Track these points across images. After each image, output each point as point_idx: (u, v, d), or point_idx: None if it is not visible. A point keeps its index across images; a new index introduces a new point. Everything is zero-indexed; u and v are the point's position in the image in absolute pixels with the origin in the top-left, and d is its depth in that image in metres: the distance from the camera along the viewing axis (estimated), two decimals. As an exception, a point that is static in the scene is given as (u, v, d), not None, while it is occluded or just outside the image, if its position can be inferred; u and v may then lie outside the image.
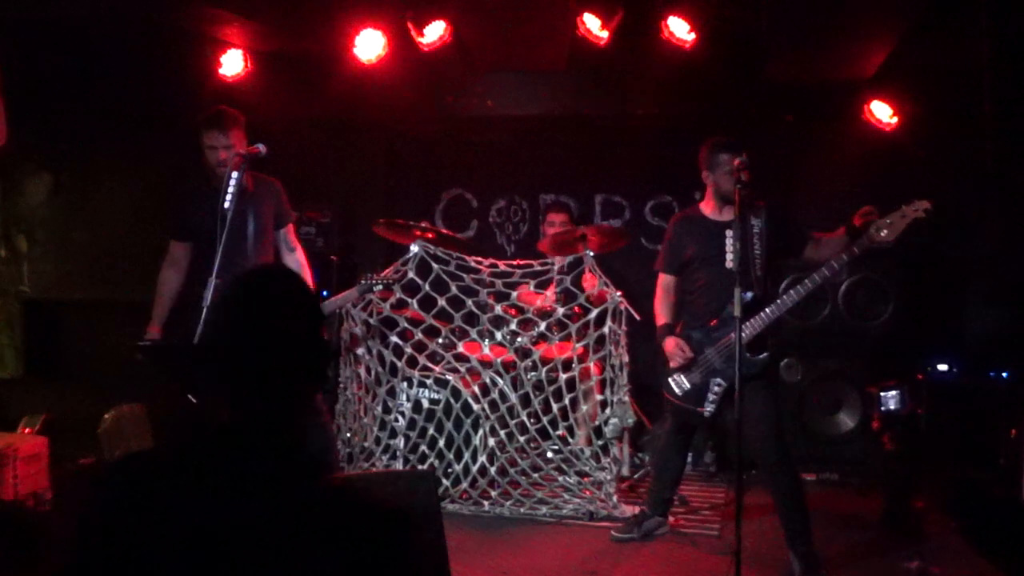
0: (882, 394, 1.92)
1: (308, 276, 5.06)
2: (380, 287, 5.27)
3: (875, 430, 2.06)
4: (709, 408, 4.56)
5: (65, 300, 7.31)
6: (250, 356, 1.74)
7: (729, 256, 4.36)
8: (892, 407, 1.90)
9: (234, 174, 4.35)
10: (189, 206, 4.78)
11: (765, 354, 4.51)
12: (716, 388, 4.54)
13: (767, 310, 4.40)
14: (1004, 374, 5.96)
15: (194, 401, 4.56)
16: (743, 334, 4.16)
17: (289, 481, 1.67)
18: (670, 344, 4.65)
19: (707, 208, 4.75)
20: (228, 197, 4.27)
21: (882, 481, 4.38)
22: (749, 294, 4.35)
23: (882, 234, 4.21)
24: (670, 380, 4.70)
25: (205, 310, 4.11)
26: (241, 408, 1.74)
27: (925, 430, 5.94)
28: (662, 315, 4.80)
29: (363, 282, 5.23)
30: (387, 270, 5.51)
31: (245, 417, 1.73)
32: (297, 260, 5.07)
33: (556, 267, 5.64)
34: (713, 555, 4.65)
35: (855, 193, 6.30)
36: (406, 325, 5.64)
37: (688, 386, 4.63)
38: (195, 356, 4.50)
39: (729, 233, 4.36)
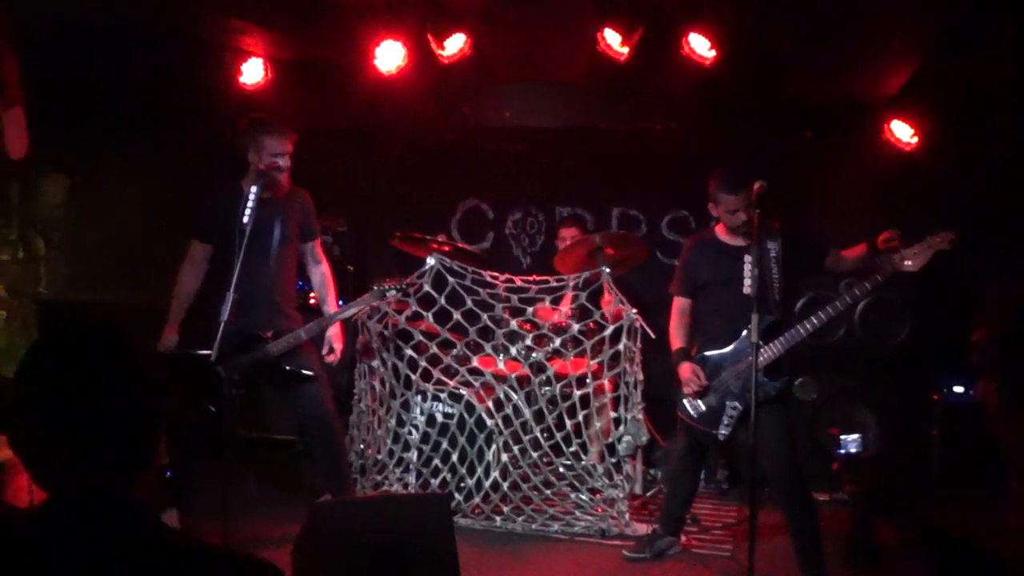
0: (842, 437, 1.92)
1: (332, 291, 5.08)
2: (393, 293, 5.27)
3: (834, 471, 2.07)
4: (724, 431, 4.55)
5: (81, 302, 7.34)
6: (50, 430, 1.58)
7: (747, 282, 4.35)
8: (852, 450, 1.90)
9: (253, 189, 4.37)
10: (217, 207, 4.78)
11: (783, 378, 4.50)
12: (732, 411, 4.53)
13: (785, 336, 4.39)
14: (1021, 397, 5.92)
15: (211, 409, 4.60)
16: (760, 358, 4.15)
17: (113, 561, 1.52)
18: (685, 370, 4.64)
19: (722, 232, 4.74)
20: (247, 212, 4.28)
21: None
22: (768, 318, 4.34)
23: (906, 263, 4.20)
24: (685, 401, 4.69)
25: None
26: (51, 486, 1.60)
27: (940, 452, 5.92)
28: (677, 339, 4.79)
29: (376, 288, 5.25)
30: (407, 278, 5.50)
31: (57, 496, 1.58)
32: (322, 274, 5.11)
33: (572, 283, 5.62)
34: (724, 574, 4.64)
35: (874, 211, 6.30)
36: (421, 338, 5.64)
37: (704, 408, 4.62)
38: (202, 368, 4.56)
39: (748, 259, 4.36)
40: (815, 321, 4.35)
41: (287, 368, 4.78)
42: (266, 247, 4.77)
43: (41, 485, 1.59)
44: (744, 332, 4.45)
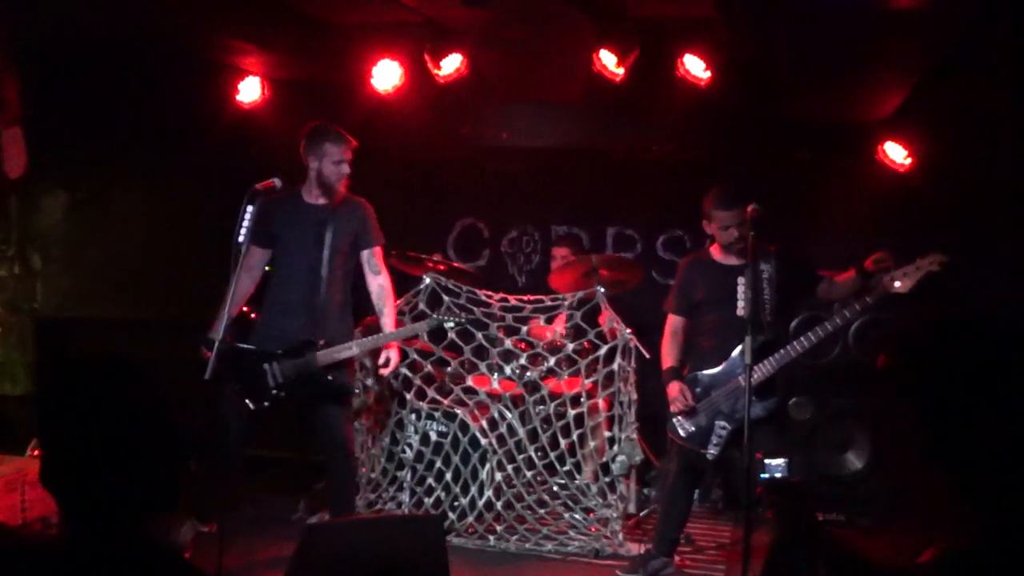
0: (767, 462, 1.92)
1: (391, 304, 5.04)
2: (452, 325, 5.24)
3: (758, 495, 2.07)
4: (712, 451, 4.57)
5: (79, 318, 7.35)
6: (71, 465, 1.59)
7: (741, 303, 4.39)
8: (777, 475, 1.91)
9: (249, 208, 4.39)
10: (276, 213, 4.86)
11: (773, 398, 4.51)
12: (721, 431, 4.55)
13: (776, 356, 4.41)
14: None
15: (252, 407, 4.62)
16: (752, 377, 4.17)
17: None
18: (673, 389, 4.67)
19: (716, 252, 4.77)
20: (242, 231, 4.31)
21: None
22: (759, 339, 4.36)
23: (896, 285, 4.23)
24: (674, 421, 4.71)
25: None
26: (70, 523, 1.61)
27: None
28: (669, 358, 4.82)
29: (435, 317, 5.22)
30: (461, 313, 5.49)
31: (75, 533, 1.60)
32: (380, 285, 5.07)
33: (567, 303, 5.64)
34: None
35: (868, 231, 6.33)
36: (415, 357, 5.65)
37: (693, 428, 4.64)
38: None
39: (741, 280, 4.39)
40: (805, 342, 4.39)
41: (329, 378, 4.77)
42: (317, 253, 4.81)
43: (67, 519, 1.62)
44: (735, 352, 4.47)
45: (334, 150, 4.88)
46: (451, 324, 5.21)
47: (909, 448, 1.70)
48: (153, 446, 1.62)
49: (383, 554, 3.14)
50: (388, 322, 4.99)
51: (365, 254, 5.04)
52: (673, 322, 4.88)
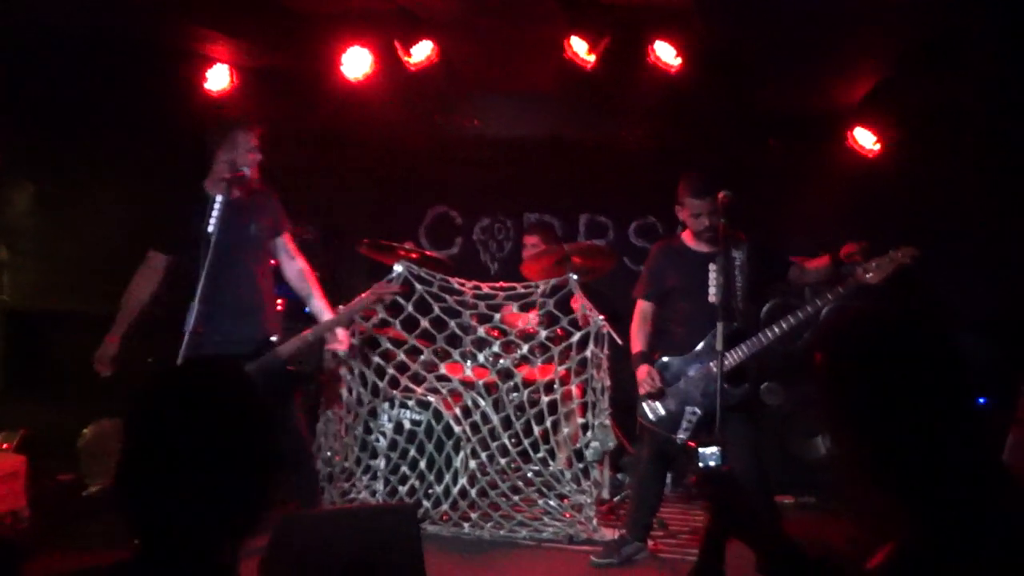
0: (700, 450, 1.94)
1: (315, 285, 4.97)
2: (398, 270, 5.30)
3: (691, 485, 2.09)
4: (682, 435, 4.60)
5: (48, 311, 7.25)
6: (158, 477, 1.46)
7: (712, 290, 4.40)
8: (711, 464, 1.93)
9: (219, 197, 4.34)
10: (185, 217, 4.63)
11: (745, 385, 4.54)
12: (691, 416, 4.58)
13: (747, 343, 4.44)
14: (982, 400, 6.02)
15: None
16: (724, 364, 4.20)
17: None
18: (642, 372, 4.69)
19: (688, 239, 4.79)
20: (212, 221, 4.26)
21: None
22: (731, 326, 4.39)
23: (868, 276, 4.26)
24: (644, 405, 4.74)
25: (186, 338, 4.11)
26: (147, 539, 1.49)
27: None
28: (638, 342, 4.84)
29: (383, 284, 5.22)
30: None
31: (152, 550, 1.48)
32: (299, 269, 4.95)
33: (539, 290, 5.64)
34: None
35: (838, 218, 6.38)
36: (388, 345, 5.64)
37: (663, 412, 4.66)
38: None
39: (712, 267, 4.41)
40: (776, 330, 4.41)
41: (291, 369, 4.70)
42: (240, 252, 4.65)
43: (142, 538, 1.48)
44: (706, 339, 4.50)
45: (244, 137, 4.65)
46: (397, 270, 5.23)
47: (846, 450, 1.71)
48: (254, 463, 1.50)
49: (358, 544, 3.14)
50: (321, 303, 4.91)
51: (280, 241, 4.91)
52: (643, 308, 4.90)
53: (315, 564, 3.04)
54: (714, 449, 2.03)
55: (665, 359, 4.73)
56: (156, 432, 1.47)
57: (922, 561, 1.54)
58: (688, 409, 4.58)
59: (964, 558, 1.52)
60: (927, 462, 1.60)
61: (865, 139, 6.46)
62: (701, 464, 2.03)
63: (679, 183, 4.72)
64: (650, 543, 5.11)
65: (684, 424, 4.59)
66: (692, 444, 2.04)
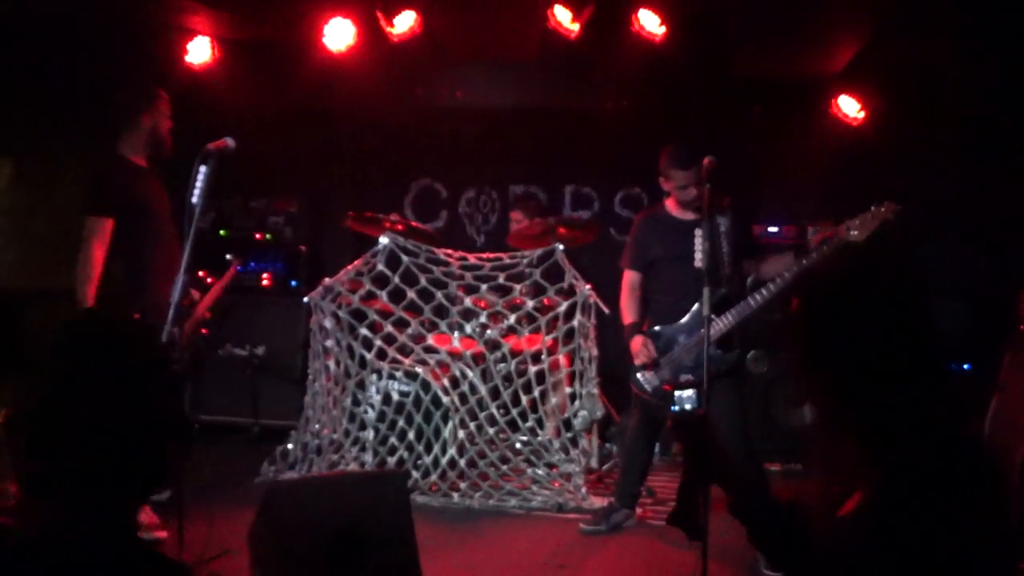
0: (677, 393, 1.95)
1: None
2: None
3: (668, 429, 2.09)
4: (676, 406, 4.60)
5: (27, 289, 7.20)
6: (52, 432, 1.37)
7: (698, 255, 4.40)
8: (687, 407, 1.94)
9: (202, 168, 4.30)
10: (133, 183, 4.80)
11: (735, 350, 4.57)
12: (685, 384, 4.59)
13: (735, 308, 4.45)
14: (965, 366, 6.06)
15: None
16: (712, 331, 4.21)
17: None
18: (636, 343, 4.70)
19: (672, 207, 4.79)
20: (196, 191, 4.22)
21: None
22: (719, 292, 4.40)
23: (852, 234, 4.27)
24: (638, 375, 4.75)
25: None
26: (36, 495, 1.41)
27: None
28: (629, 314, 4.84)
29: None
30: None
31: (42, 507, 1.40)
32: None
33: (526, 260, 5.64)
34: (680, 548, 4.68)
35: (822, 186, 6.40)
36: (375, 317, 5.63)
37: (657, 382, 4.67)
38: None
39: (698, 232, 4.41)
40: (765, 292, 4.41)
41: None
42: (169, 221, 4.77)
43: (30, 496, 1.41)
44: (696, 306, 4.50)
45: (164, 105, 4.87)
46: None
47: (818, 399, 1.73)
48: (161, 422, 1.43)
49: (347, 512, 3.15)
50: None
51: None
52: (630, 278, 4.90)
53: (304, 531, 3.05)
54: (690, 392, 2.03)
55: (656, 328, 4.74)
56: (55, 385, 1.39)
57: (886, 511, 1.55)
58: (682, 377, 4.59)
59: (923, 511, 1.54)
60: (894, 411, 1.61)
61: (849, 107, 6.46)
62: (677, 407, 2.04)
63: (662, 155, 4.71)
64: (638, 511, 5.14)
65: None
66: (668, 388, 2.05)
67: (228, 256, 5.50)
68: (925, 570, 1.51)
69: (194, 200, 4.24)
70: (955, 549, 1.52)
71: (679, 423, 2.01)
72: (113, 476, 1.39)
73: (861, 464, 1.65)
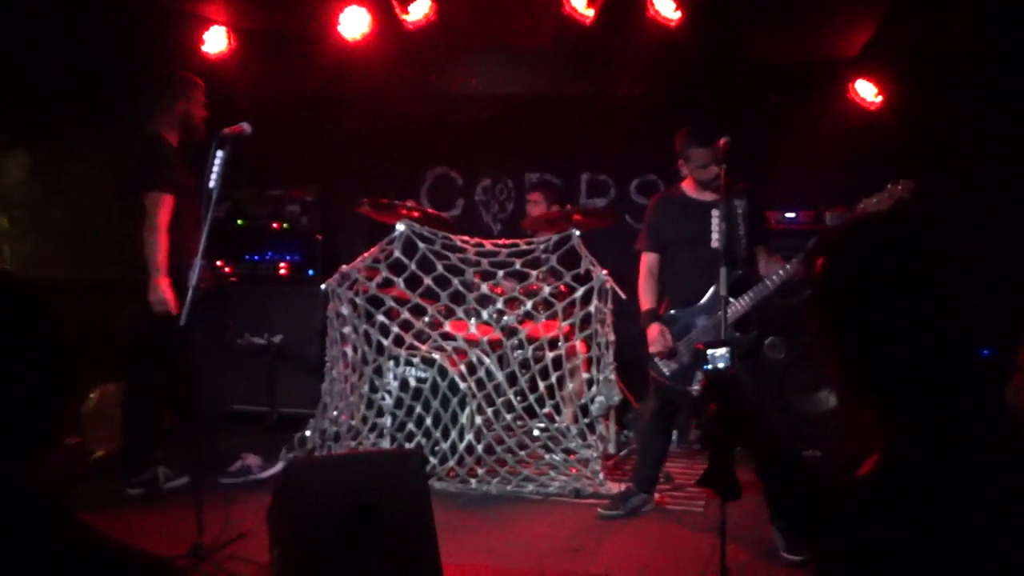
0: (710, 352, 1.94)
1: None
2: None
3: (701, 388, 2.07)
4: (696, 387, 4.58)
5: (44, 279, 7.24)
6: None
7: (715, 236, 4.38)
8: (720, 366, 1.93)
9: (219, 153, 4.32)
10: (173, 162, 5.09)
11: (753, 332, 4.55)
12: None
13: (753, 290, 4.43)
14: (985, 351, 6.01)
15: None
16: (729, 313, 4.19)
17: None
18: (653, 331, 4.68)
19: (689, 188, 4.76)
20: (213, 176, 4.24)
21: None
22: (736, 273, 4.38)
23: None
24: (656, 361, 4.73)
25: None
26: None
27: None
28: (646, 300, 4.81)
29: None
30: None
31: None
32: None
33: (542, 246, 5.63)
34: (698, 532, 4.69)
35: (839, 171, 6.35)
36: (392, 304, 5.64)
37: (675, 367, 4.66)
38: None
39: (715, 213, 4.38)
40: (782, 273, 4.38)
41: None
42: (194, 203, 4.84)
43: None
44: (712, 288, 4.48)
45: (199, 93, 5.24)
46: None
47: (842, 358, 1.71)
48: (30, 365, 1.38)
49: (364, 489, 3.15)
50: None
51: None
52: (648, 261, 4.88)
53: (323, 508, 3.06)
54: (723, 351, 2.02)
55: (673, 312, 4.72)
56: None
57: (908, 471, 1.54)
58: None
59: (945, 471, 1.53)
60: (918, 369, 1.60)
61: (866, 91, 6.42)
62: (709, 366, 2.03)
63: (679, 136, 4.69)
64: (656, 496, 5.13)
65: (699, 376, 4.58)
66: (700, 346, 2.03)
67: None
68: (941, 534, 1.50)
69: (211, 185, 4.26)
70: (975, 515, 1.50)
71: (712, 382, 2.00)
72: None
73: (880, 426, 1.64)
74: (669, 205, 4.81)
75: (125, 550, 1.34)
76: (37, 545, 1.29)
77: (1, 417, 1.34)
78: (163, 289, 4.90)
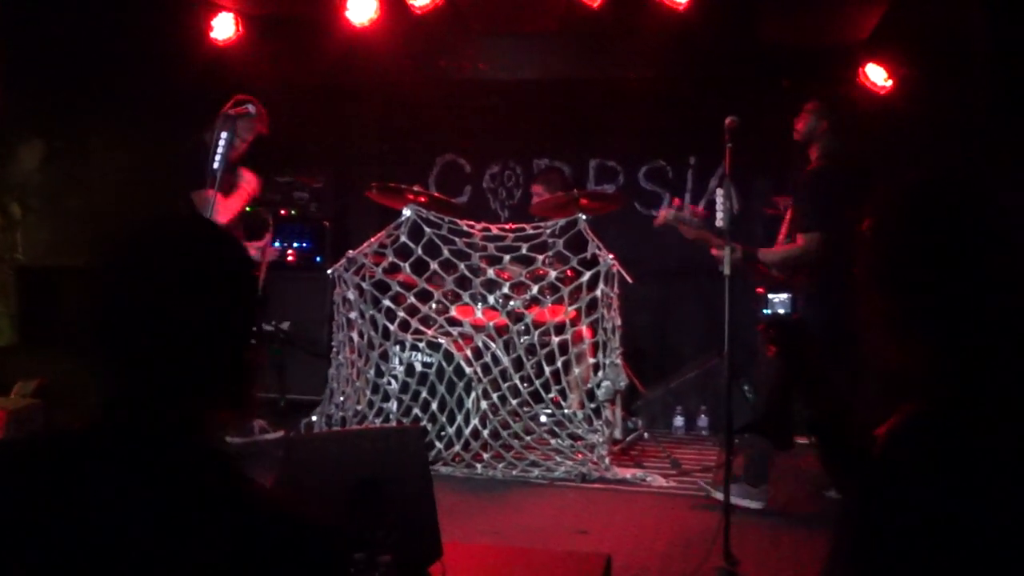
0: (770, 297, 1.94)
1: None
2: None
3: (759, 332, 2.03)
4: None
5: (60, 267, 7.28)
6: (130, 334, 1.29)
7: (719, 215, 4.35)
8: (780, 311, 1.93)
9: (223, 134, 4.34)
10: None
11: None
12: None
13: None
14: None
15: None
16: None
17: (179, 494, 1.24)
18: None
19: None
20: (218, 157, 4.26)
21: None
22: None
23: None
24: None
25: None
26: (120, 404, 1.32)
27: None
28: None
29: None
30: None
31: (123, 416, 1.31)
32: None
33: (548, 231, 5.61)
34: (704, 516, 4.67)
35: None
36: (398, 289, 5.64)
37: None
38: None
39: (719, 192, 4.36)
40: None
41: None
42: None
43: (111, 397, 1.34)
44: None
45: (258, 123, 5.16)
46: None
47: (889, 306, 1.69)
48: (234, 332, 1.34)
49: (366, 465, 3.14)
50: None
51: None
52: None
53: (324, 483, 3.05)
54: (783, 296, 2.02)
55: None
56: (131, 285, 1.31)
57: (947, 421, 1.53)
58: None
59: (989, 421, 1.51)
60: (969, 317, 1.57)
61: (877, 75, 6.36)
62: (769, 311, 2.02)
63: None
64: (663, 481, 5.12)
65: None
66: (761, 290, 2.02)
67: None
68: (975, 482, 1.48)
69: (215, 166, 4.29)
70: (1012, 468, 1.49)
71: (772, 324, 1.99)
72: (193, 383, 1.31)
73: (930, 375, 1.61)
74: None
75: (303, 514, 1.32)
76: (232, 507, 1.27)
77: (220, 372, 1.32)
78: None
